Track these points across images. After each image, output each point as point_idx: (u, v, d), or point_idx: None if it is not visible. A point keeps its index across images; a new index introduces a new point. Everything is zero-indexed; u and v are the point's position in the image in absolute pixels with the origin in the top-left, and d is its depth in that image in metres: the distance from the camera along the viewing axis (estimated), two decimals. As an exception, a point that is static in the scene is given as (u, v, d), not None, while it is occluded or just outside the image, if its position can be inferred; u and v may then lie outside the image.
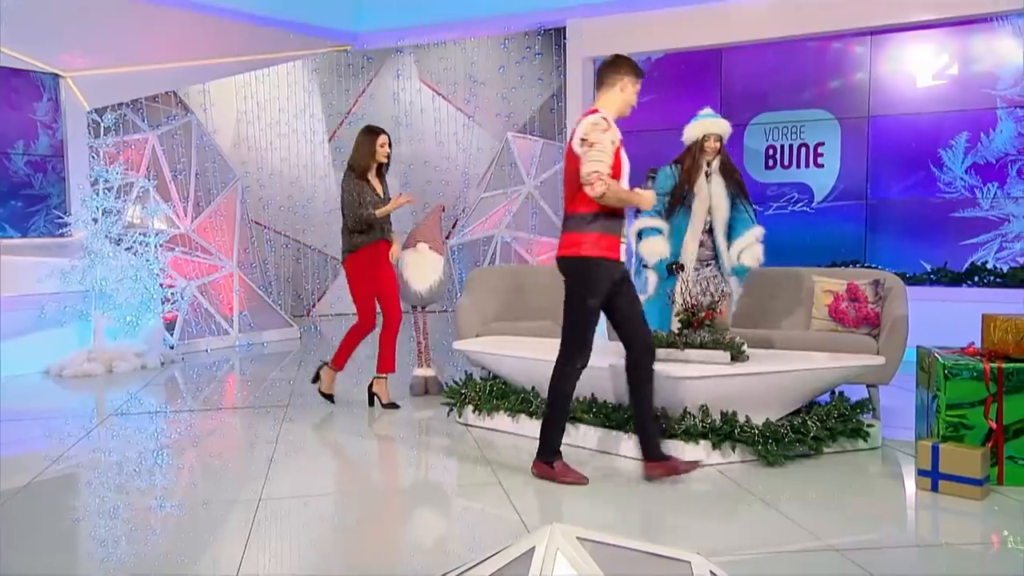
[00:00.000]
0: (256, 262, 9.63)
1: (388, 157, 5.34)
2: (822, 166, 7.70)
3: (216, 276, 8.63)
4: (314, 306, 10.73)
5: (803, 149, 7.76)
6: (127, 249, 7.45)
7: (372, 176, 5.31)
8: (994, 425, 3.56)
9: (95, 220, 7.31)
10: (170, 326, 7.85)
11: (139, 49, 7.97)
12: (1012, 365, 3.55)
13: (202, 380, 6.77)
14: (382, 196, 5.30)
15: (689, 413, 4.04)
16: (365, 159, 5.23)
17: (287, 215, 10.49)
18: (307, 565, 2.97)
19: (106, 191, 7.45)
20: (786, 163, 7.84)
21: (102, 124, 7.68)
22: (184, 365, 7.36)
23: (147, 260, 7.48)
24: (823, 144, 7.68)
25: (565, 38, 8.67)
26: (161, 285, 7.69)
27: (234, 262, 8.86)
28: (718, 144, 4.82)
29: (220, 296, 8.60)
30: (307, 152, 10.57)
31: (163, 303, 7.68)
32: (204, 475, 4.13)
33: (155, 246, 7.64)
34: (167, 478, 4.11)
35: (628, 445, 4.10)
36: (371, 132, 5.29)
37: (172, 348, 7.66)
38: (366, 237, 5.24)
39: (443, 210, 6.48)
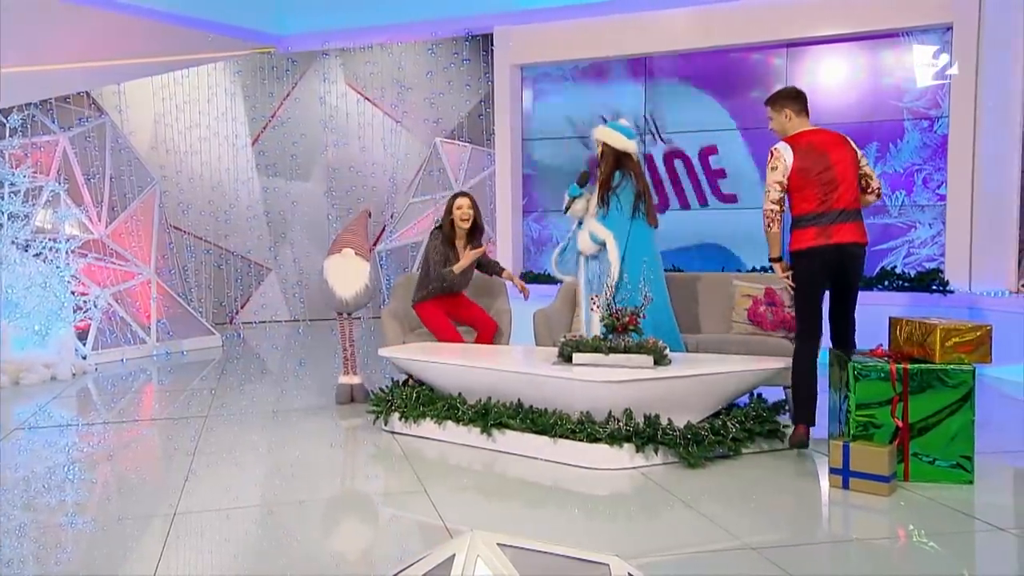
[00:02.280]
0: (175, 268, 9.35)
1: (470, 221, 5.43)
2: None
3: (132, 283, 8.34)
4: (237, 313, 10.48)
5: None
6: (36, 255, 7.14)
7: (459, 239, 5.46)
8: (900, 424, 3.72)
9: (0, 225, 6.99)
10: (83, 335, 7.54)
11: (49, 47, 7.64)
12: (916, 366, 3.71)
13: (117, 391, 6.53)
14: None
15: (613, 417, 4.10)
16: (447, 223, 5.49)
17: (208, 220, 10.22)
18: (226, 580, 2.90)
19: (12, 195, 7.13)
20: (708, 171, 8.03)
21: (7, 125, 7.35)
22: (98, 376, 7.09)
23: (57, 267, 7.18)
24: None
25: (492, 45, 8.71)
26: (73, 293, 7.40)
27: (151, 268, 8.58)
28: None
29: (137, 304, 8.32)
30: (229, 156, 10.32)
31: (75, 311, 7.38)
32: (118, 490, 3.99)
33: (66, 252, 7.34)
34: (78, 494, 3.95)
35: (552, 450, 4.14)
36: (452, 196, 5.51)
37: (85, 358, 7.35)
38: (438, 289, 5.42)
39: (369, 215, 6.41)
